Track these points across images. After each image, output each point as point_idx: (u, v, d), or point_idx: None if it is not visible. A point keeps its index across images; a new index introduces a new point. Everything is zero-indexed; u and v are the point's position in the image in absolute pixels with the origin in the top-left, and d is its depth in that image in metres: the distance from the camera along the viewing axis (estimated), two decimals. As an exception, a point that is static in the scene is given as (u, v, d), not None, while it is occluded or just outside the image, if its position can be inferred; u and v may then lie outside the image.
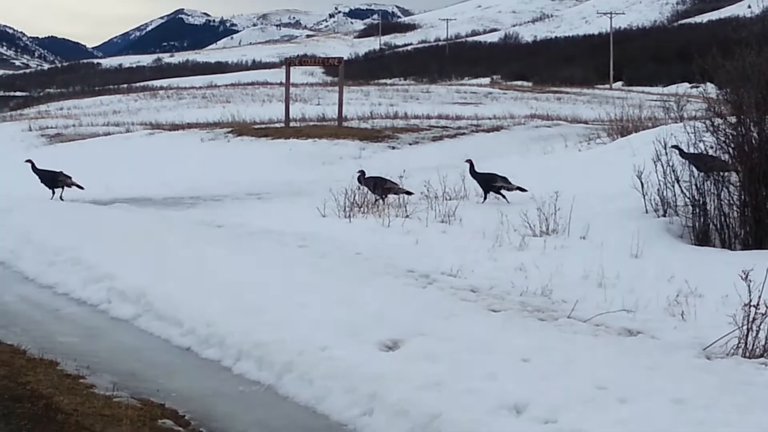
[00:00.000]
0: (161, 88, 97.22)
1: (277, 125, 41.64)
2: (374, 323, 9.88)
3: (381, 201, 19.07)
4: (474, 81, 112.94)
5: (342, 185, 19.05)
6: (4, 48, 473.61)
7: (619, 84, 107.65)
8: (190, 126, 45.03)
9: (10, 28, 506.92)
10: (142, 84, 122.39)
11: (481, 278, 12.70)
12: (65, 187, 22.60)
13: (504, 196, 19.12)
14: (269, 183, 26.40)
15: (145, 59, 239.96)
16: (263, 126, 41.99)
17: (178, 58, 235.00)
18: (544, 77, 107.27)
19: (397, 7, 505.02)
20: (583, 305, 11.03)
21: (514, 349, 8.96)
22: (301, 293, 11.31)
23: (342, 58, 48.78)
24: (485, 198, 19.36)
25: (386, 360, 8.92)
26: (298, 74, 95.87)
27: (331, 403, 8.35)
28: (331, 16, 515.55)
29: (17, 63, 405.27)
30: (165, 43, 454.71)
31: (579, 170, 22.35)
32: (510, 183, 19.19)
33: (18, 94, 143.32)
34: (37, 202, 21.03)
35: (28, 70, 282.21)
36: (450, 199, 18.80)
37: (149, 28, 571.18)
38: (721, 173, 15.84)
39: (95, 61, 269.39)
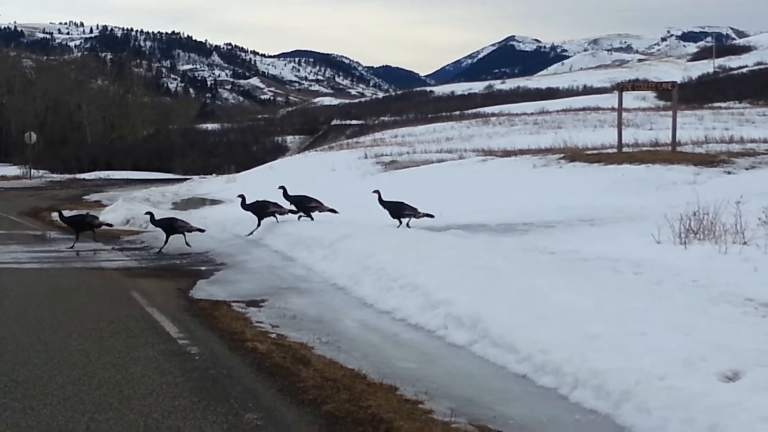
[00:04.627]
0: (492, 114, 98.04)
1: (609, 151, 41.30)
2: (713, 353, 9.63)
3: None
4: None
5: (676, 211, 18.73)
6: (341, 78, 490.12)
7: None
8: (521, 152, 45.23)
9: (346, 58, 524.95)
10: (473, 111, 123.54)
11: (825, 308, 12.25)
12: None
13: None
14: (601, 209, 26.19)
15: (477, 86, 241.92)
16: (595, 152, 41.71)
17: (509, 84, 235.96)
18: None
19: (731, 28, 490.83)
20: None
21: None
22: (636, 321, 11.14)
23: (675, 82, 48.00)
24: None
25: (726, 391, 8.66)
26: (629, 99, 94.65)
27: (670, 434, 8.21)
28: (664, 39, 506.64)
29: (353, 92, 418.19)
30: (496, 70, 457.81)
31: None
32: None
33: (354, 122, 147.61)
34: (374, 228, 21.60)
35: (363, 99, 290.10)
36: (791, 226, 18.19)
37: (481, 56, 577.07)
38: None
39: (428, 89, 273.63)
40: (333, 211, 23.31)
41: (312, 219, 23.15)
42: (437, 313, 12.90)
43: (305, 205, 23.32)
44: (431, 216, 23.54)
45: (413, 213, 23.58)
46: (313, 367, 10.44)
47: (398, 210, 23.63)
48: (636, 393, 8.90)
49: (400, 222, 23.51)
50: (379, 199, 23.54)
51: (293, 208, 23.42)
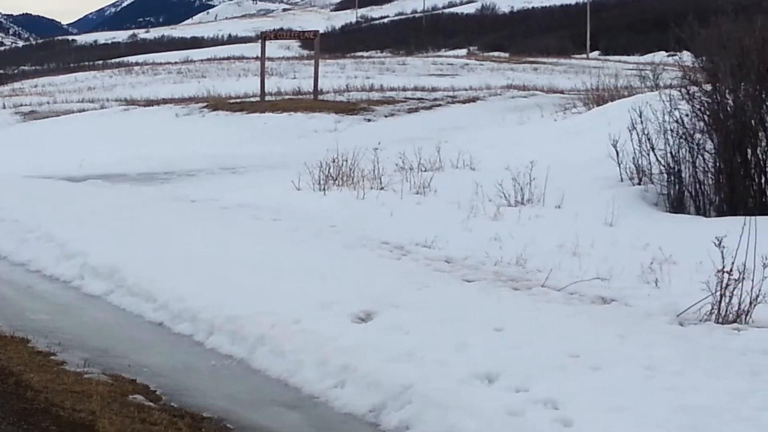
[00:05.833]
0: (136, 63, 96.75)
1: (252, 99, 41.43)
2: (347, 295, 9.83)
3: None
4: (451, 53, 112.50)
5: (317, 158, 18.93)
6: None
7: (596, 53, 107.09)
8: (165, 101, 44.73)
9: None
10: (117, 60, 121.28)
11: (455, 249, 12.65)
12: None
13: None
14: (244, 157, 26.30)
15: (121, 35, 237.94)
16: (238, 100, 41.74)
17: (154, 33, 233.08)
18: (521, 48, 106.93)
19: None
20: (557, 274, 10.97)
21: (487, 319, 8.92)
22: (275, 266, 11.27)
23: (318, 31, 48.56)
24: None
25: (358, 332, 8.85)
26: (274, 48, 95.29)
27: (303, 376, 8.25)
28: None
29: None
30: (140, 19, 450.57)
31: (554, 140, 22.29)
32: None
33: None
34: (7, 179, 20.88)
35: (1, 48, 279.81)
36: (425, 171, 18.74)
37: (125, 4, 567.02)
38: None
39: (70, 38, 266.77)
40: None
41: None
42: (73, 264, 12.55)
43: None
44: None
45: None
46: (-64, 325, 9.96)
47: None
48: (271, 337, 8.93)
49: None
50: None
51: None
